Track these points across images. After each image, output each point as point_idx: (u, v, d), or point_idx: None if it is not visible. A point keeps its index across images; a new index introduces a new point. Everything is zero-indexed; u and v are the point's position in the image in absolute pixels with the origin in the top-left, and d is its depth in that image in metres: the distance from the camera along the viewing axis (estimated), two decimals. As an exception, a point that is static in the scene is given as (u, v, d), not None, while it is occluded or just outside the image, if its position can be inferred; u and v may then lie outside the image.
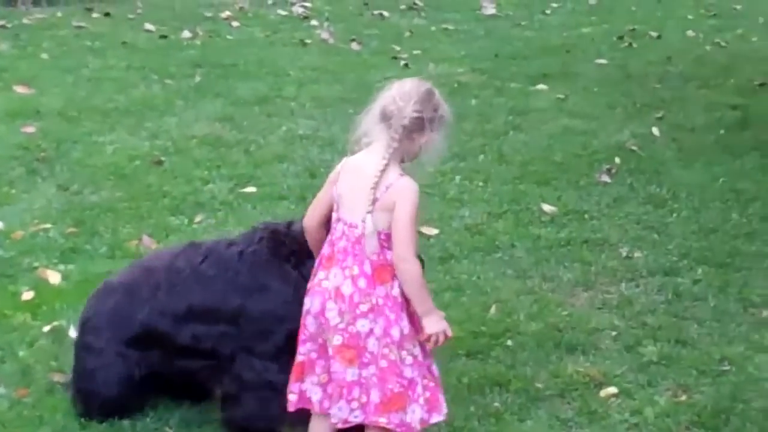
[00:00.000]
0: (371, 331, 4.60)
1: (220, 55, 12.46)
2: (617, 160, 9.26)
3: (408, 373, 4.65)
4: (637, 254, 7.38)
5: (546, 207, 8.15)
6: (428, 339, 4.62)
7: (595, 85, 11.92)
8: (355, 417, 4.67)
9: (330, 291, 4.63)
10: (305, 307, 4.72)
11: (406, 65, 12.19)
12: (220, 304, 5.10)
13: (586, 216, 8.06)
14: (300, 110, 10.41)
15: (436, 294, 6.62)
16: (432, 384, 4.73)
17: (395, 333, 4.61)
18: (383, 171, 4.52)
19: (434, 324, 4.62)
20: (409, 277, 4.55)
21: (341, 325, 4.61)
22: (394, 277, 4.59)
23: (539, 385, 5.69)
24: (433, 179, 8.45)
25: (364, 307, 4.59)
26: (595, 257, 7.33)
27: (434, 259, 7.09)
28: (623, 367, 5.89)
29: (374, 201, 4.51)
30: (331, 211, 4.70)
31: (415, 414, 4.67)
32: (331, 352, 4.65)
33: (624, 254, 7.39)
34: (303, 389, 4.78)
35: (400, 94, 4.58)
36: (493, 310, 6.50)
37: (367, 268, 4.59)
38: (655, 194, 8.53)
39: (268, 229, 5.20)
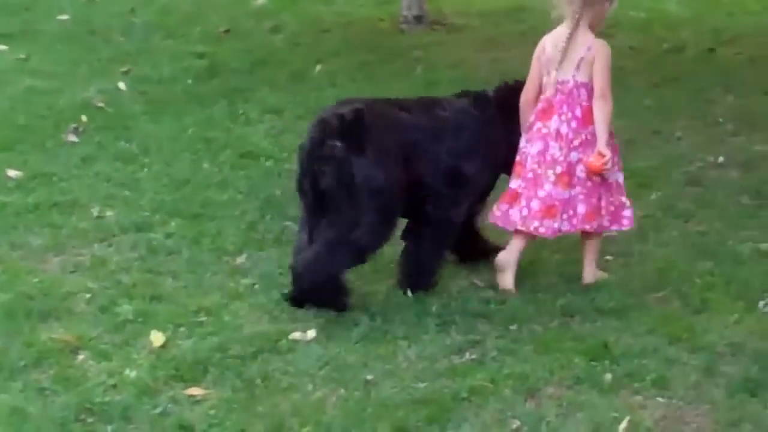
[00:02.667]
0: (579, 160, 6.01)
1: None
2: (84, 118, 9.03)
3: (602, 191, 6.08)
4: (108, 213, 7.19)
5: (11, 173, 7.78)
6: (602, 162, 5.94)
7: (57, 42, 11.61)
8: (565, 227, 6.06)
9: (551, 134, 6.03)
10: (524, 150, 6.14)
11: None
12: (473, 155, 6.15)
13: (54, 178, 7.77)
14: None
15: None
16: (617, 202, 6.13)
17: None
18: (570, 37, 5.98)
19: (608, 149, 5.99)
20: (604, 111, 5.97)
21: (560, 158, 6.00)
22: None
23: (14, 357, 5.37)
24: None
25: (575, 142, 6.01)
26: (65, 220, 7.07)
27: None
28: (99, 329, 5.70)
29: (580, 59, 5.99)
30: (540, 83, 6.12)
31: (602, 221, 6.11)
32: (553, 179, 6.02)
33: (95, 214, 7.19)
34: (509, 212, 6.14)
35: None
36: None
37: (578, 113, 6.02)
38: (125, 150, 8.38)
39: (495, 95, 6.34)
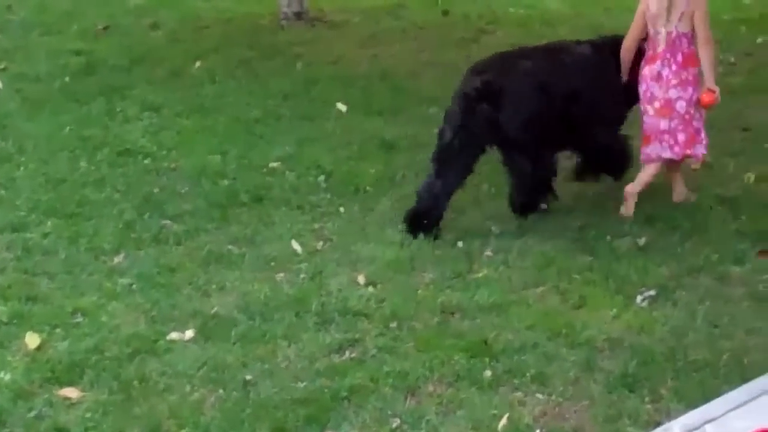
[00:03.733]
0: (679, 97, 7.06)
1: None
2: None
3: (696, 123, 7.15)
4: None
5: None
6: (713, 97, 7.02)
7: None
8: (667, 153, 7.13)
9: (653, 75, 7.10)
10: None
11: None
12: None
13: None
14: None
15: None
16: (704, 134, 7.20)
17: (693, 98, 7.07)
18: None
19: (716, 86, 7.08)
20: (710, 54, 7.07)
21: (659, 95, 7.09)
22: (695, 63, 7.05)
23: None
24: None
25: (674, 82, 7.05)
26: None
27: None
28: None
29: (681, 13, 6.96)
30: (641, 33, 7.22)
31: (700, 148, 7.20)
32: (652, 113, 7.12)
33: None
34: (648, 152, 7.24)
35: None
36: None
37: (679, 58, 7.06)
38: (0, 149, 8.22)
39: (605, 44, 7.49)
